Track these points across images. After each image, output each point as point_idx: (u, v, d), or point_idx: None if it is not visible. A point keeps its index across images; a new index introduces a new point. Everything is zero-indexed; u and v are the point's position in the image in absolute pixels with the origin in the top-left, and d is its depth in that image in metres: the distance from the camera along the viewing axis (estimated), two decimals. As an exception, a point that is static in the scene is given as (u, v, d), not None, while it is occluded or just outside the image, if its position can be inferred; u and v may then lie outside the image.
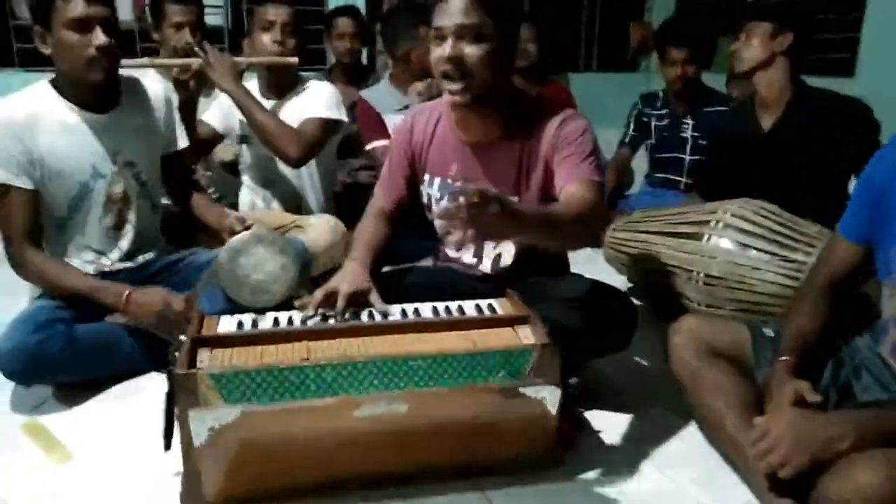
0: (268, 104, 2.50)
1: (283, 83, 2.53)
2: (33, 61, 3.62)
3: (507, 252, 1.78)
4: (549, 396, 1.41)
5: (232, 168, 2.82)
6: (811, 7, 2.48)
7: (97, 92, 1.87)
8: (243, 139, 2.59)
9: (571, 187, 1.56)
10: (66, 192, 1.88)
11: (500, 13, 1.54)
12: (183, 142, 2.14)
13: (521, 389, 1.34)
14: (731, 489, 1.46)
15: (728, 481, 1.48)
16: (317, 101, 2.49)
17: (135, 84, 2.02)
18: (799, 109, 2.24)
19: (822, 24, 3.84)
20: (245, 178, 2.70)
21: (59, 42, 1.77)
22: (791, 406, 1.28)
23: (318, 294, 1.58)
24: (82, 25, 1.75)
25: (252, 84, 2.57)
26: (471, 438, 1.43)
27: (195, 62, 2.38)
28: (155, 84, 2.09)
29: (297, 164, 2.44)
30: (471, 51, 1.54)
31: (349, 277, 1.64)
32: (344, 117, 2.55)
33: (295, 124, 2.43)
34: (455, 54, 1.53)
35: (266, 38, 2.44)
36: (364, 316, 1.57)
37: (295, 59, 2.46)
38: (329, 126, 2.49)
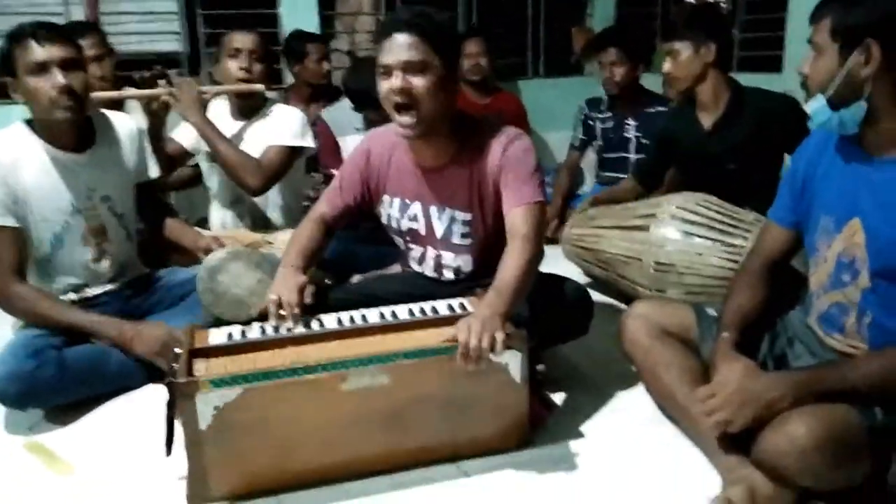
0: (235, 126, 2.58)
1: (250, 107, 2.60)
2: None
3: (466, 263, 1.89)
4: (512, 362, 1.56)
5: (192, 180, 2.88)
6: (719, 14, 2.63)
7: (71, 132, 1.94)
8: (212, 158, 2.62)
9: (514, 215, 1.69)
10: (48, 229, 1.95)
11: (441, 46, 1.64)
12: (154, 171, 2.22)
13: (494, 355, 1.47)
14: (685, 452, 1.61)
15: (681, 446, 1.64)
16: (282, 127, 2.55)
17: (107, 121, 2.09)
18: (736, 108, 2.39)
19: (751, 23, 4.09)
20: (213, 198, 2.76)
21: (24, 88, 1.84)
22: (735, 370, 1.42)
23: (272, 308, 1.64)
24: (41, 68, 1.81)
25: (223, 105, 2.65)
26: (449, 413, 1.56)
27: (162, 92, 2.44)
28: (125, 119, 2.17)
29: (256, 193, 2.51)
30: (418, 82, 1.62)
31: (289, 283, 1.69)
32: (310, 143, 2.62)
33: (260, 146, 2.50)
34: (404, 86, 1.62)
35: (233, 66, 2.51)
36: (346, 320, 1.68)
37: (261, 87, 2.53)
38: (291, 153, 2.55)
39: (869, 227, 1.36)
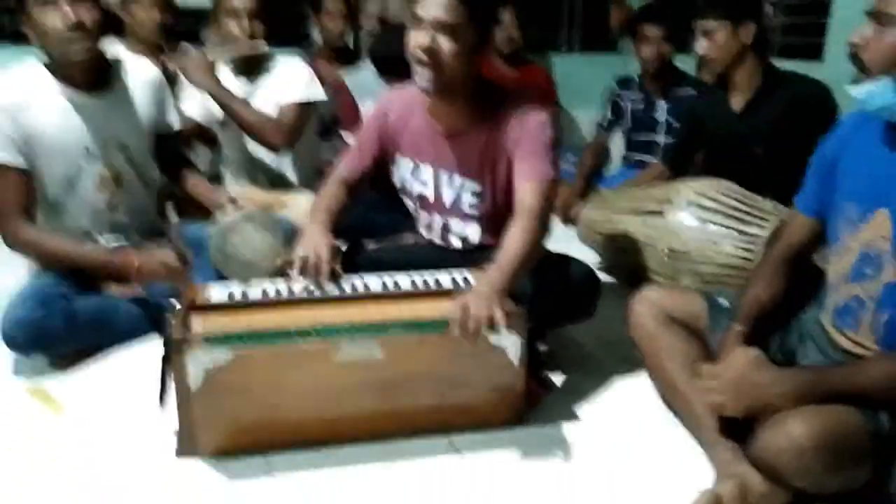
0: (241, 86, 2.55)
1: (253, 65, 2.57)
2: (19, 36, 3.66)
3: (473, 233, 1.88)
4: (511, 347, 1.54)
5: (208, 139, 2.88)
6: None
7: (85, 72, 1.91)
8: (222, 124, 2.62)
9: (525, 189, 1.66)
10: (59, 172, 1.93)
11: (478, 12, 1.60)
12: (176, 124, 2.21)
13: (485, 334, 1.45)
14: (682, 442, 1.59)
15: (679, 435, 1.61)
16: (290, 83, 2.52)
17: (126, 66, 2.05)
18: (768, 93, 2.32)
19: (792, 8, 3.94)
20: (227, 160, 2.75)
21: (34, 22, 1.80)
22: (743, 357, 1.39)
23: (298, 264, 1.64)
24: (50, 1, 1.77)
25: (224, 68, 2.61)
26: (443, 389, 1.55)
27: (171, 67, 2.43)
28: (146, 66, 2.13)
29: (278, 150, 2.52)
30: (446, 45, 1.60)
31: (321, 241, 1.70)
32: (320, 94, 2.59)
33: (270, 104, 2.48)
34: (431, 45, 1.60)
35: (233, 25, 2.46)
36: (347, 286, 1.67)
37: (265, 47, 2.49)
38: (307, 108, 2.54)
39: None
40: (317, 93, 2.57)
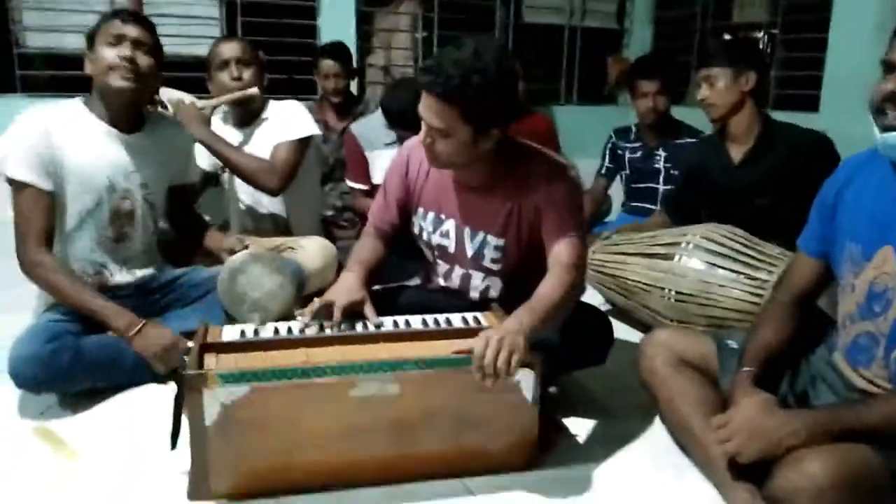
0: (238, 134, 2.59)
1: (249, 114, 2.61)
2: (35, 87, 3.76)
3: (495, 287, 1.87)
4: (524, 381, 1.53)
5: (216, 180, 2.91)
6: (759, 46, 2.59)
7: (123, 111, 2.00)
8: (225, 173, 2.66)
9: (559, 245, 1.67)
10: (81, 202, 1.97)
11: (470, 112, 1.56)
12: (195, 176, 2.29)
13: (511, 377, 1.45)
14: (697, 485, 1.57)
15: (694, 478, 1.60)
16: (284, 124, 2.55)
17: (160, 117, 2.18)
18: (767, 143, 2.37)
19: (788, 61, 4.06)
20: (233, 205, 2.77)
21: (96, 57, 1.95)
22: (752, 402, 1.39)
23: (316, 303, 1.67)
24: (116, 40, 1.93)
25: (221, 119, 2.67)
26: (458, 428, 1.54)
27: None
28: (179, 124, 2.26)
29: (276, 193, 2.52)
30: (440, 145, 1.62)
31: (345, 289, 1.72)
32: (314, 130, 2.60)
33: (267, 149, 2.51)
34: (429, 143, 1.63)
35: (224, 76, 2.52)
36: (358, 326, 1.68)
37: (255, 90, 2.53)
38: (301, 145, 2.55)
39: None
40: (308, 128, 2.58)
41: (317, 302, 1.67)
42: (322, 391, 1.45)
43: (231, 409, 1.41)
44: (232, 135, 2.59)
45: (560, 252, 1.67)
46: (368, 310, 1.71)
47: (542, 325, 1.55)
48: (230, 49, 2.54)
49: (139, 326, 1.91)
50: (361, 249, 1.88)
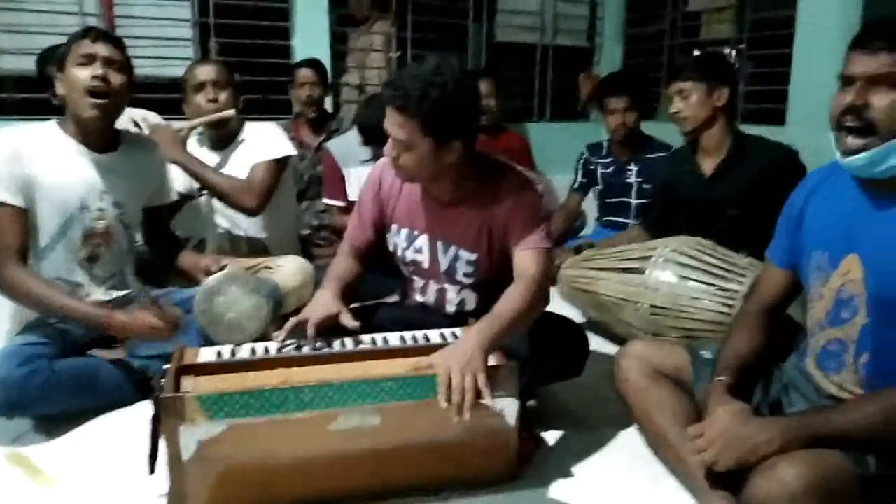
0: (215, 156, 2.59)
1: (225, 136, 2.62)
2: (6, 111, 3.72)
3: (470, 301, 1.89)
4: (508, 408, 1.54)
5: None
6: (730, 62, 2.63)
7: (97, 132, 2.00)
8: (201, 190, 2.65)
9: (523, 258, 1.71)
10: (53, 221, 1.96)
11: (432, 126, 1.60)
12: (171, 196, 2.28)
13: (483, 401, 1.46)
14: (673, 493, 1.59)
15: (670, 486, 1.62)
16: (260, 144, 2.57)
17: (135, 137, 2.18)
18: (738, 156, 2.42)
19: (755, 77, 4.14)
20: (210, 227, 2.76)
21: (67, 78, 1.93)
22: (727, 412, 1.41)
23: (291, 322, 1.68)
24: (87, 60, 1.92)
25: (197, 142, 2.67)
26: (438, 453, 1.54)
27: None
28: (153, 143, 2.25)
29: (254, 213, 2.53)
30: (404, 158, 1.66)
31: (319, 305, 1.72)
32: (290, 150, 2.63)
33: (244, 171, 2.52)
34: (394, 157, 1.67)
35: (200, 99, 2.53)
36: (336, 344, 1.68)
37: (231, 112, 2.54)
38: (278, 165, 2.57)
39: (868, 263, 1.36)
40: (285, 148, 2.60)
41: (292, 321, 1.67)
42: (302, 426, 1.44)
43: (208, 445, 1.40)
44: (208, 157, 2.59)
45: (525, 263, 1.69)
46: (346, 318, 1.71)
47: (502, 339, 1.57)
48: (206, 72, 2.55)
49: (117, 318, 1.87)
50: (336, 267, 1.89)
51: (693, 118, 2.43)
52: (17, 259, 1.89)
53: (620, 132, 3.30)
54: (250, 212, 2.52)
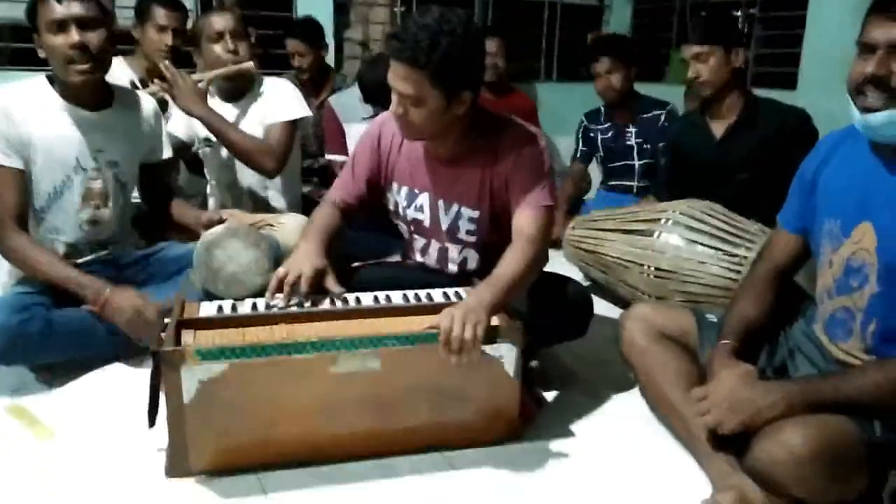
0: (229, 109, 2.52)
1: (240, 88, 2.55)
2: (6, 62, 3.66)
3: (472, 259, 1.86)
4: (507, 355, 1.53)
5: (197, 168, 2.86)
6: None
7: (88, 91, 1.94)
8: (207, 142, 2.59)
9: (523, 216, 1.66)
10: (49, 181, 1.94)
11: (441, 78, 1.55)
12: (167, 152, 2.23)
13: (482, 346, 1.45)
14: (676, 455, 1.59)
15: (673, 449, 1.62)
16: (278, 103, 2.50)
17: (129, 93, 2.12)
18: (749, 119, 2.39)
19: (766, 39, 4.07)
20: (211, 181, 2.74)
21: (45, 44, 1.86)
22: (731, 374, 1.40)
23: (281, 271, 1.62)
24: (60, 26, 1.83)
25: (211, 91, 2.58)
26: (439, 403, 1.54)
27: (158, 90, 2.40)
28: (146, 98, 2.18)
29: (273, 174, 2.48)
30: (412, 113, 1.60)
31: (308, 258, 1.66)
32: (306, 111, 2.57)
33: (259, 126, 2.47)
34: (401, 112, 1.61)
35: (218, 49, 2.43)
36: (338, 302, 1.65)
37: (251, 64, 2.46)
38: (293, 126, 2.51)
39: (881, 232, 1.33)
40: (303, 110, 2.55)
41: (281, 271, 1.62)
42: (302, 367, 1.43)
43: (209, 385, 1.39)
44: (221, 108, 2.50)
45: (523, 223, 1.66)
46: (331, 283, 1.67)
47: (505, 300, 1.55)
48: (224, 21, 2.45)
49: (108, 294, 1.86)
50: (321, 220, 1.81)
51: (712, 82, 2.39)
52: (15, 223, 1.87)
53: (609, 95, 3.25)
54: (269, 173, 2.47)
